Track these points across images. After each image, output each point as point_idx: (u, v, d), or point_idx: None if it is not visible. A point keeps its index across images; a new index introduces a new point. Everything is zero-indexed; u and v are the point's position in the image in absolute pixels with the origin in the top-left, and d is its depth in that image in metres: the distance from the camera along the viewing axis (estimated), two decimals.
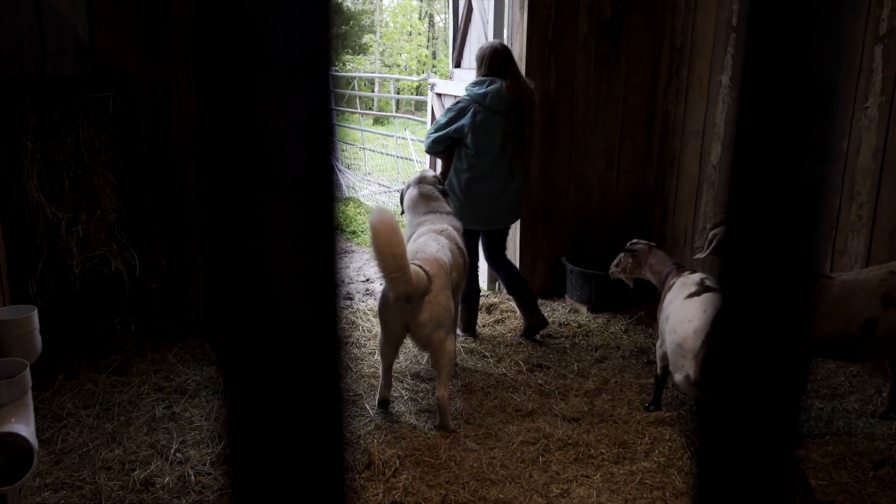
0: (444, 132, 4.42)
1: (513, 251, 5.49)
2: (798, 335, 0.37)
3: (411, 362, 4.39)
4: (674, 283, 3.62)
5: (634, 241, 4.19)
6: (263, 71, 0.34)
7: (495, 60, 4.41)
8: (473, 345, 4.64)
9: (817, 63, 0.32)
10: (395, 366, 4.01)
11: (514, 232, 5.44)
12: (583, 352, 4.60)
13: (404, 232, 3.93)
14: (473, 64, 4.65)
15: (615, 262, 4.24)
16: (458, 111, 4.39)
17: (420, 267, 3.49)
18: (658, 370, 3.77)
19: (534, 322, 4.74)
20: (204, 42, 0.34)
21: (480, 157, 4.44)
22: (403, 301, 3.46)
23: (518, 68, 4.57)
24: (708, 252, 3.71)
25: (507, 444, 3.48)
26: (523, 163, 4.65)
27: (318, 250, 0.36)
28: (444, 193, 4.40)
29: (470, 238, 4.72)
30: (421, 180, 4.35)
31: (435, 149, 4.52)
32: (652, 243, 4.12)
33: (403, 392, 4.02)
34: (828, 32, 0.32)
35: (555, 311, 5.29)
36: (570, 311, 5.32)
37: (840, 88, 0.33)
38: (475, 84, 4.44)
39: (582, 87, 5.36)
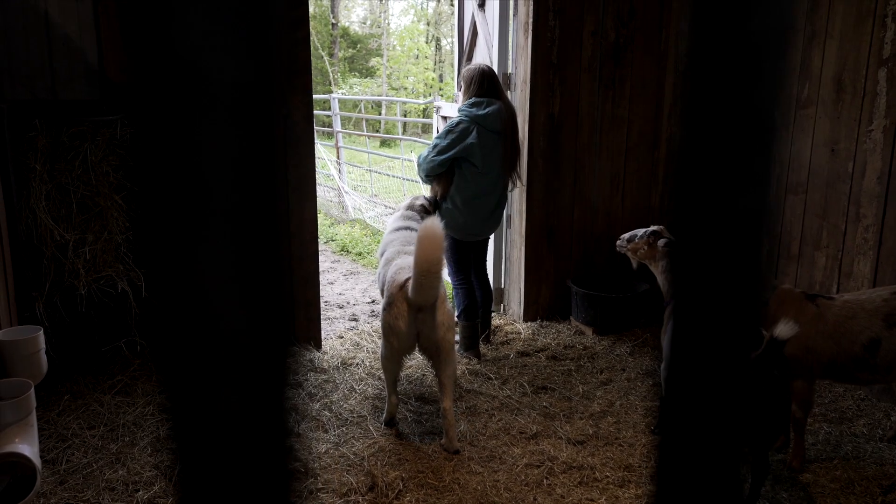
0: (448, 154, 4.48)
1: (518, 273, 5.50)
2: (742, 346, 0.38)
3: (415, 385, 4.39)
4: None
5: (661, 229, 3.91)
6: (199, 107, 0.35)
7: (485, 81, 4.57)
8: (478, 366, 4.63)
9: (756, 104, 0.34)
10: (398, 388, 4.02)
11: (520, 254, 5.45)
12: (588, 374, 4.59)
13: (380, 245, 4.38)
14: None
15: (628, 235, 4.05)
16: (461, 132, 4.47)
17: None
18: (663, 393, 3.75)
19: (472, 348, 4.84)
20: (141, 81, 0.35)
21: (485, 174, 4.56)
22: (416, 310, 3.59)
23: (503, 89, 4.73)
24: None
25: (512, 466, 3.47)
26: (513, 177, 4.78)
27: (258, 278, 0.37)
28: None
29: (465, 250, 4.77)
30: (409, 206, 4.62)
31: (437, 171, 4.58)
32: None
33: (408, 414, 4.01)
34: (764, 78, 0.34)
35: (560, 334, 5.28)
36: (575, 332, 5.31)
37: (777, 126, 0.34)
38: (472, 105, 4.52)
39: (586, 109, 5.39)
